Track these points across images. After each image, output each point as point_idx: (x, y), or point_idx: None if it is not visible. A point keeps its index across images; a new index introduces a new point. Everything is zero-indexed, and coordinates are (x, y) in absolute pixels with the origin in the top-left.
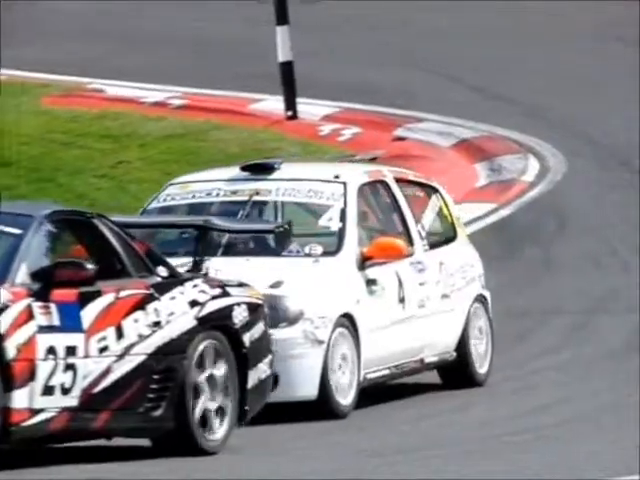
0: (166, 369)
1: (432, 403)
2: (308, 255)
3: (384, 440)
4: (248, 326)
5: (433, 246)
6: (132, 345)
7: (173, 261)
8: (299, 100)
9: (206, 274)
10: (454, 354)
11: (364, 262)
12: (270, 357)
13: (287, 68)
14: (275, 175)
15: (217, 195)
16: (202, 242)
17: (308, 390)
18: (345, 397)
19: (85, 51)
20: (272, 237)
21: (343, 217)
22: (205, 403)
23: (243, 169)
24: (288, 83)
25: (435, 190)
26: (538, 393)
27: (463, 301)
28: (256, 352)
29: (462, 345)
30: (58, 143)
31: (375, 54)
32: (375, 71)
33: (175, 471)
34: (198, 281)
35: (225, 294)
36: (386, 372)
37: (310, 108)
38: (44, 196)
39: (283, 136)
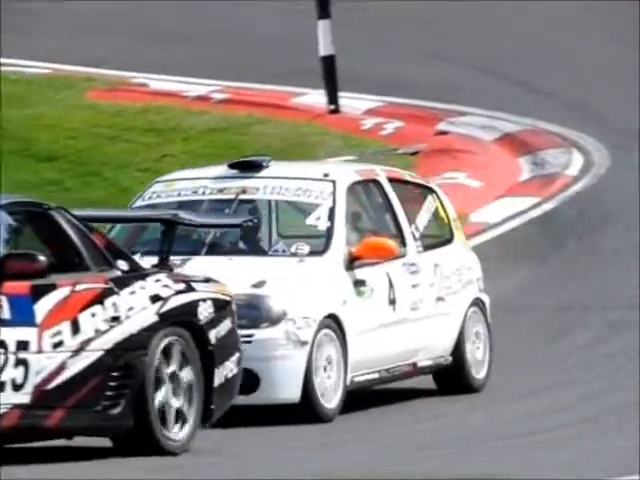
0: (125, 366)
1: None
2: (294, 255)
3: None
4: (214, 323)
5: (428, 248)
6: (89, 340)
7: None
8: (342, 94)
9: (172, 269)
10: (450, 359)
11: (352, 262)
12: (238, 355)
13: (329, 62)
14: (263, 173)
15: (203, 193)
16: (169, 237)
17: (291, 392)
18: (330, 400)
19: (129, 46)
20: (239, 231)
21: (331, 216)
22: (167, 402)
23: (231, 167)
24: (330, 77)
25: (431, 191)
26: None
27: (459, 304)
28: (223, 350)
29: (458, 350)
30: (104, 137)
31: (418, 48)
32: (417, 65)
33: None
34: (161, 276)
35: (190, 289)
36: (375, 375)
37: (353, 102)
38: (89, 190)
39: (325, 130)
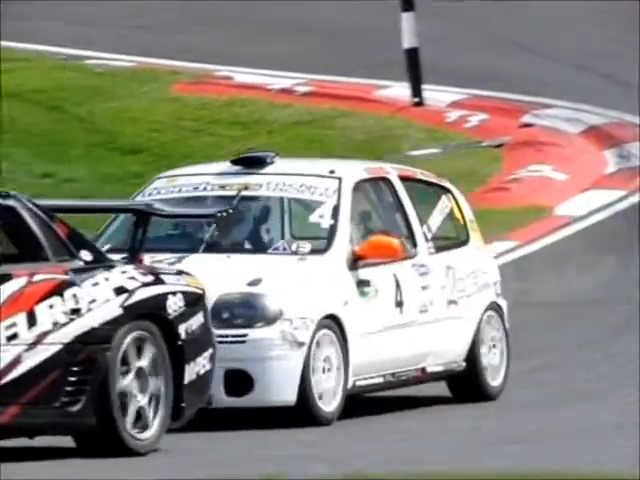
0: (85, 360)
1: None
2: (294, 253)
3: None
4: (184, 317)
5: (441, 249)
6: (46, 333)
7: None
8: (426, 87)
9: (141, 261)
10: (463, 364)
11: (356, 262)
12: (211, 351)
13: (412, 55)
14: (268, 169)
15: (205, 189)
16: (141, 228)
17: (286, 395)
18: (329, 404)
19: (214, 38)
20: (214, 222)
21: (335, 214)
22: (133, 399)
23: (234, 162)
24: (414, 70)
25: (446, 191)
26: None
27: (473, 308)
28: (194, 345)
29: (472, 355)
30: (188, 130)
31: (502, 41)
32: (502, 57)
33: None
34: (128, 267)
35: (159, 282)
36: (380, 380)
37: (437, 95)
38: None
39: (409, 123)
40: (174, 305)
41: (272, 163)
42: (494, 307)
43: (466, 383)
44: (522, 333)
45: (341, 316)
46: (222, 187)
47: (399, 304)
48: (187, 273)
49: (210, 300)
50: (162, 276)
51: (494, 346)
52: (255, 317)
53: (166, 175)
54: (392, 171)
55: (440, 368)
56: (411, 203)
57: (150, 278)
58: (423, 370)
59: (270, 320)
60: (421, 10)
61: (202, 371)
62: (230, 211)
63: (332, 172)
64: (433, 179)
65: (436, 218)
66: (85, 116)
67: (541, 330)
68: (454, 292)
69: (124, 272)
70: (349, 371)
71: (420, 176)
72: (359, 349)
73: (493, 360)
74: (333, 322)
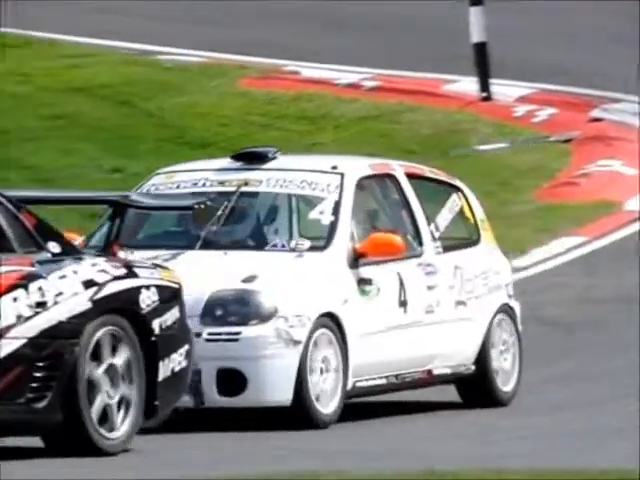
0: (52, 356)
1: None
2: (293, 250)
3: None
4: (158, 311)
5: (449, 249)
6: (9, 327)
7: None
8: (493, 81)
9: (115, 254)
10: (472, 367)
11: (357, 259)
12: (187, 347)
13: (481, 49)
14: (269, 165)
15: (203, 185)
16: (117, 219)
17: (281, 395)
18: (326, 405)
19: (281, 33)
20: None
21: (336, 211)
22: (102, 396)
23: (234, 158)
24: (482, 64)
25: (456, 189)
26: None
27: (483, 310)
28: (168, 341)
29: (482, 358)
30: (256, 125)
31: (569, 35)
32: (569, 52)
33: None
34: (99, 260)
35: (131, 275)
36: (382, 381)
37: (504, 89)
38: None
39: (477, 117)
40: (147, 299)
41: (274, 159)
42: (506, 309)
43: (476, 387)
44: (584, 329)
45: (340, 315)
46: (221, 183)
47: (403, 304)
48: (163, 267)
49: (203, 297)
50: (135, 269)
51: (505, 350)
52: (249, 314)
53: (165, 171)
54: (398, 168)
55: (447, 371)
56: (418, 201)
57: (122, 271)
58: (429, 372)
59: (265, 317)
60: (490, 4)
61: (177, 368)
62: (208, 203)
63: (334, 168)
64: (442, 177)
65: (444, 217)
66: (154, 111)
67: (606, 326)
68: (462, 293)
69: (94, 265)
70: (349, 372)
71: (429, 174)
72: (360, 349)
73: (504, 364)
74: (331, 321)
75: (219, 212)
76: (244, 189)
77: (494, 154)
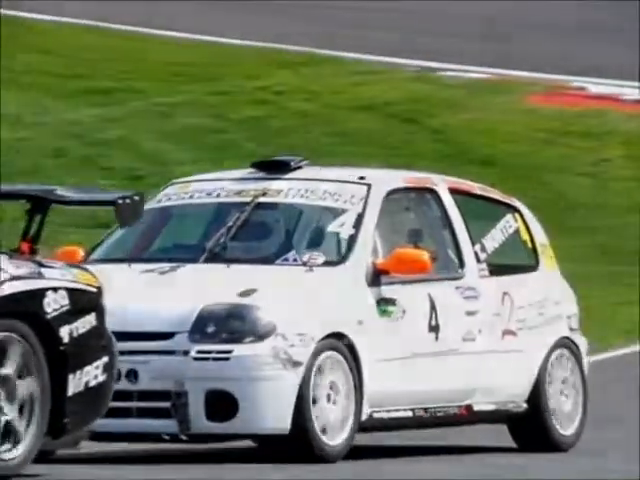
0: None
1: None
2: (304, 264)
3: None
4: (68, 318)
5: (498, 272)
6: None
7: None
8: None
9: (23, 252)
10: (523, 406)
11: (378, 277)
12: (106, 360)
13: None
14: (291, 175)
15: (218, 195)
16: (37, 215)
17: (278, 422)
18: (333, 436)
19: (564, 48)
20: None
21: (358, 224)
22: None
23: (255, 167)
24: None
25: (512, 209)
26: None
27: (537, 342)
28: (81, 351)
29: (535, 396)
30: (540, 141)
31: None
32: None
33: None
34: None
35: (36, 275)
36: (407, 414)
37: None
38: (523, 193)
39: None
40: (54, 303)
41: (298, 168)
42: (567, 344)
43: (529, 429)
44: None
45: (352, 337)
46: (237, 193)
47: (434, 329)
48: (82, 268)
49: (193, 311)
50: (43, 269)
51: (565, 389)
52: (243, 331)
53: (180, 181)
54: (440, 183)
55: (491, 407)
56: (462, 219)
57: (25, 271)
58: (468, 408)
59: (261, 335)
60: None
61: (93, 382)
62: (135, 198)
63: (362, 178)
64: (496, 196)
65: (494, 238)
66: (438, 128)
67: None
68: (512, 322)
69: None
70: (363, 401)
71: (478, 191)
72: (378, 376)
73: (563, 405)
74: (342, 343)
75: (230, 228)
76: (261, 200)
77: None
